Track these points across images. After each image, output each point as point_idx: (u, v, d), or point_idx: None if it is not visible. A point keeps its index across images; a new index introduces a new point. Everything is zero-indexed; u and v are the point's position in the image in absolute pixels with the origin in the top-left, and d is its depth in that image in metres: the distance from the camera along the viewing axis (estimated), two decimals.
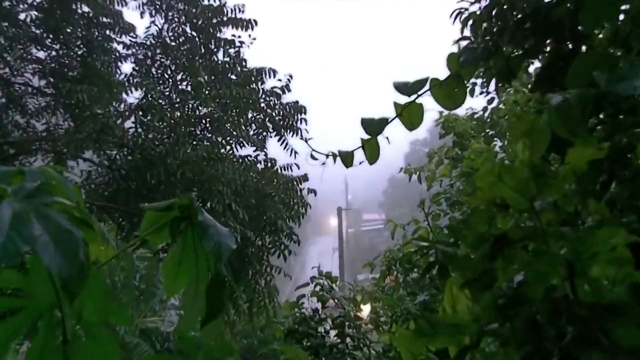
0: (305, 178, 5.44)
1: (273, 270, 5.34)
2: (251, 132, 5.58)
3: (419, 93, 1.00)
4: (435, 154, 4.02)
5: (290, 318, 3.54)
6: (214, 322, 0.59)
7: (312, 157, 1.06)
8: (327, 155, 1.05)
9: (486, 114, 3.85)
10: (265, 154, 5.55)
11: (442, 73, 1.03)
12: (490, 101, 3.84)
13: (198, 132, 5.24)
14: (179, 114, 5.02)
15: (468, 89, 1.31)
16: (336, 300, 3.62)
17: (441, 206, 3.60)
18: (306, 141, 1.14)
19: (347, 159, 1.08)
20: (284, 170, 5.44)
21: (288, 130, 5.51)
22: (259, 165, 5.47)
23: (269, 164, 5.50)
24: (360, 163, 1.08)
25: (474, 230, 0.64)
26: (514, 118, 3.14)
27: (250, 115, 5.52)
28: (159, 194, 4.60)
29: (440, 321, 0.63)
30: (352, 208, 33.89)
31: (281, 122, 5.53)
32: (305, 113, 5.65)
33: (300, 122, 5.58)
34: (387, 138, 1.03)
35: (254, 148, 5.50)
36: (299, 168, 5.48)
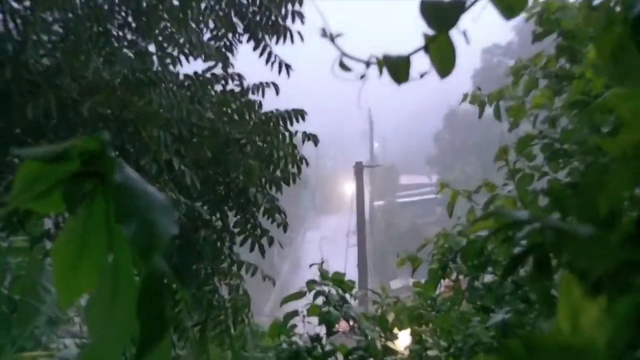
0: (299, 114, 5.38)
1: (243, 269, 5.40)
2: (207, 35, 5.59)
3: None
4: (525, 69, 3.96)
5: (272, 352, 3.60)
6: (154, 353, 0.60)
7: (343, 65, 1.15)
8: (367, 63, 1.13)
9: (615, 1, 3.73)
10: (227, 72, 5.48)
11: None
12: None
13: (115, 33, 5.19)
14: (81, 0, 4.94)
15: None
16: (352, 322, 3.64)
17: (534, 160, 3.55)
18: (330, 37, 1.18)
19: (399, 68, 1.13)
20: (257, 94, 5.40)
21: (270, 32, 5.52)
22: (217, 90, 5.43)
23: (238, 90, 5.48)
24: (422, 76, 1.15)
25: (609, 196, 0.67)
26: None
27: (204, 4, 5.48)
28: (47, 139, 4.62)
29: (551, 344, 0.64)
30: (381, 165, 34.18)
31: (259, 17, 5.51)
32: (301, 4, 5.55)
33: (293, 19, 5.51)
34: (464, 34, 1.09)
35: (212, 62, 5.52)
36: (278, 93, 5.44)
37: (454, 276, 3.57)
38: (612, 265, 0.69)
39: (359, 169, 20.42)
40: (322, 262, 3.84)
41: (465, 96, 4.32)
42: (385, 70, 1.15)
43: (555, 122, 3.65)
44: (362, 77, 1.14)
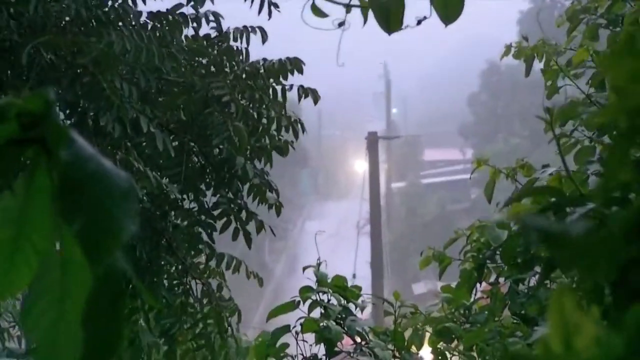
0: (295, 65, 5.39)
1: (223, 265, 5.43)
2: None
3: None
4: (584, 12, 4.01)
5: None
6: None
7: (316, 9, 1.18)
8: (348, 6, 1.17)
9: None
10: (198, 12, 5.45)
11: None
12: None
13: None
14: None
15: None
16: (358, 339, 3.66)
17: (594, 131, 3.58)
18: None
19: (390, 12, 1.13)
20: (240, 41, 5.40)
21: None
22: (189, 35, 5.45)
23: (215, 35, 5.48)
24: (419, 23, 1.20)
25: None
26: None
27: None
28: None
29: None
30: (400, 136, 34.19)
31: None
32: None
33: None
34: None
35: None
36: (265, 40, 5.42)
37: (492, 278, 3.59)
38: (614, 267, 0.69)
39: (372, 141, 20.47)
40: (319, 263, 3.82)
41: (507, 48, 4.33)
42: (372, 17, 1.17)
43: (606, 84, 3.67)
44: (341, 24, 1.14)
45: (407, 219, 37.04)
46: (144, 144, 4.99)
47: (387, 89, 40.80)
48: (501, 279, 3.53)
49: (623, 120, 0.72)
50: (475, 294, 3.72)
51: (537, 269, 3.28)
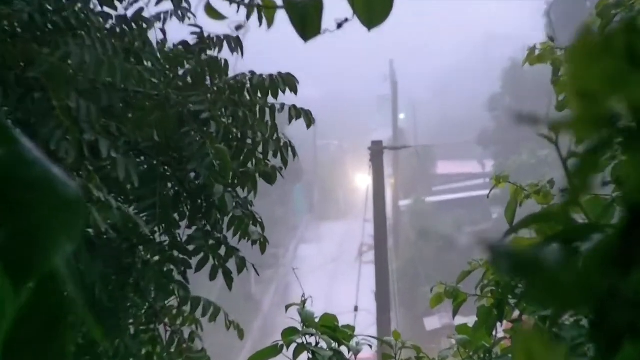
0: (288, 82, 5.39)
1: (199, 312, 5.45)
2: None
3: None
4: (614, 9, 4.07)
5: None
6: None
7: (211, 10, 1.24)
8: (249, 7, 1.25)
9: None
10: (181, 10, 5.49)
11: None
12: None
13: None
14: None
15: None
16: None
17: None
18: None
19: (308, 15, 1.13)
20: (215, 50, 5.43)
21: None
22: (160, 41, 5.49)
23: (196, 42, 5.52)
24: (339, 26, 1.21)
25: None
26: None
27: None
28: None
29: None
30: (409, 146, 34.21)
31: None
32: None
33: None
34: None
35: None
36: (241, 51, 5.45)
37: (515, 315, 3.59)
38: (590, 302, 0.70)
39: (376, 152, 20.43)
40: (304, 300, 3.81)
41: (531, 50, 4.33)
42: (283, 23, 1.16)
43: None
44: (239, 28, 1.16)
45: (417, 243, 36.94)
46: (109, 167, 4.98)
47: (394, 91, 40.81)
48: (525, 316, 3.53)
49: (590, 133, 0.72)
50: (496, 335, 3.71)
51: None
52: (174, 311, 5.44)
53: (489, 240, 0.74)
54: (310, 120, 5.38)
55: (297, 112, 5.35)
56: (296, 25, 1.13)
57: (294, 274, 4.66)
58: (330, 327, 3.68)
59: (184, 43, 5.47)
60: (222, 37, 5.48)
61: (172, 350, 5.39)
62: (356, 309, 21.06)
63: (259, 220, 5.35)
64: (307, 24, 1.13)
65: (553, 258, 0.73)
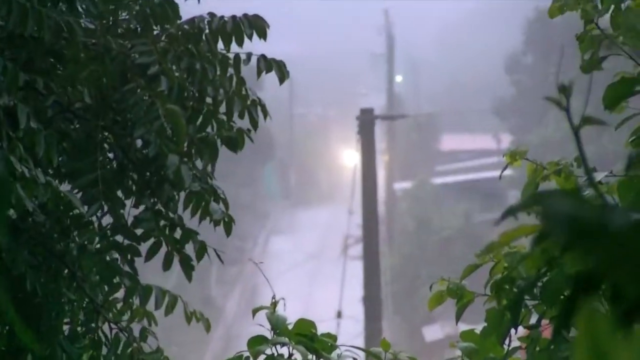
0: (256, 26, 5.42)
1: (151, 301, 5.50)
2: None
3: None
4: None
5: None
6: None
7: None
8: None
9: None
10: None
11: None
12: None
13: None
14: None
15: None
16: None
17: None
18: None
19: None
20: None
21: None
22: None
23: None
24: None
25: None
26: None
27: None
28: None
29: None
30: (407, 115, 34.24)
31: None
32: None
33: None
34: None
35: None
36: None
37: (532, 320, 3.67)
38: None
39: (367, 122, 20.50)
40: (275, 303, 3.84)
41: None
42: None
43: None
44: None
45: (417, 235, 36.93)
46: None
47: (390, 48, 40.81)
48: (545, 321, 3.61)
49: None
50: (510, 343, 3.76)
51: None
52: (119, 305, 5.49)
53: (544, 196, 0.76)
54: (283, 74, 5.36)
55: (267, 64, 5.33)
56: None
57: (259, 269, 4.64)
58: (306, 335, 3.72)
59: None
60: None
61: (119, 352, 5.41)
62: (339, 315, 21.01)
63: (222, 196, 5.35)
64: None
65: (622, 221, 0.74)
